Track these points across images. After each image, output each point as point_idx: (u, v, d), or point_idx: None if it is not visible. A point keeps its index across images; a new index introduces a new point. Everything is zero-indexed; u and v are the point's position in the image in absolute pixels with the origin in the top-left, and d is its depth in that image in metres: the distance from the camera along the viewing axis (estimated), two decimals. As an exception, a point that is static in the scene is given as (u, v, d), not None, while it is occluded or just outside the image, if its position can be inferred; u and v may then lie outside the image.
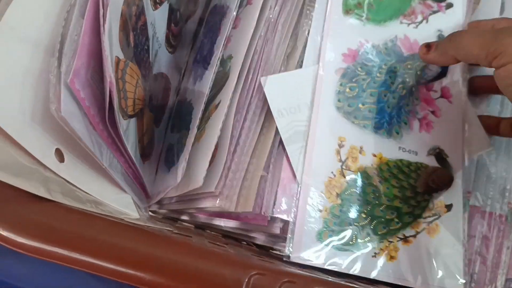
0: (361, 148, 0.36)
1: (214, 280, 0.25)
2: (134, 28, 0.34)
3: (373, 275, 0.34)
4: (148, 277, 0.24)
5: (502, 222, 0.39)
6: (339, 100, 0.37)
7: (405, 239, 0.36)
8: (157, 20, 0.37)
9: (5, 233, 0.24)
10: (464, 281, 0.36)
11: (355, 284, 0.32)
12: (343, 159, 0.36)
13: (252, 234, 0.37)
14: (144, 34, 0.36)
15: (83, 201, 0.30)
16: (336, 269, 0.34)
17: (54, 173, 0.28)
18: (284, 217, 0.35)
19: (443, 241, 0.36)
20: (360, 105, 0.37)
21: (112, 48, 0.29)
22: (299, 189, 0.35)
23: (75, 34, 0.28)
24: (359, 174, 0.36)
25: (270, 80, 0.36)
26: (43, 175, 0.28)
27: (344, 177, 0.36)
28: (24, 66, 0.28)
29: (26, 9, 0.28)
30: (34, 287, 0.42)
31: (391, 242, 0.35)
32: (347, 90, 0.38)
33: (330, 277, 0.32)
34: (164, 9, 0.38)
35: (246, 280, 0.25)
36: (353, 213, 0.35)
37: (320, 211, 0.34)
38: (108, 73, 0.28)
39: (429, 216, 0.37)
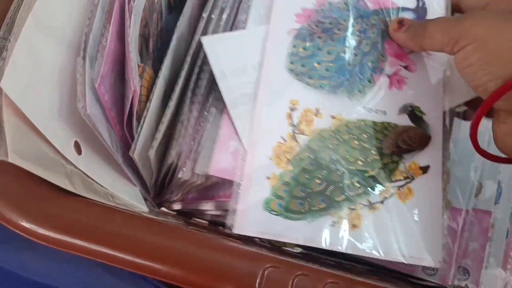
0: (317, 110, 0.33)
1: (229, 273, 0.26)
2: (153, 34, 0.35)
3: (331, 246, 0.31)
4: (165, 269, 0.25)
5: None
6: (291, 62, 0.34)
7: (370, 206, 0.32)
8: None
9: (28, 225, 0.26)
10: (441, 257, 0.31)
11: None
12: (295, 123, 0.33)
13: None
14: (161, 39, 0.37)
15: (101, 194, 0.30)
16: (286, 241, 0.31)
17: (74, 165, 0.29)
18: (224, 176, 0.32)
19: (418, 207, 0.32)
20: (315, 64, 0.34)
21: (135, 56, 0.31)
22: (244, 155, 0.32)
23: (104, 40, 0.29)
24: (313, 137, 0.33)
25: (213, 40, 0.34)
26: (66, 168, 0.29)
27: (296, 141, 0.32)
28: (49, 59, 0.28)
29: (53, 2, 0.29)
30: (50, 282, 0.44)
31: (353, 209, 0.32)
32: (301, 50, 0.35)
33: (277, 256, 0.29)
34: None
35: (261, 272, 0.26)
36: (305, 179, 0.32)
37: (268, 178, 0.32)
38: (133, 82, 0.30)
39: (400, 180, 0.33)
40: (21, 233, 0.26)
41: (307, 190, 0.32)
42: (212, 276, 0.25)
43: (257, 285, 0.25)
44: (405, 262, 0.31)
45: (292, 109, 0.33)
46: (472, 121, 0.30)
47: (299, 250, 0.34)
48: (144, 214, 0.31)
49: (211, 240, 0.27)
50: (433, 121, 0.34)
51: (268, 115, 0.33)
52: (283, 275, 0.26)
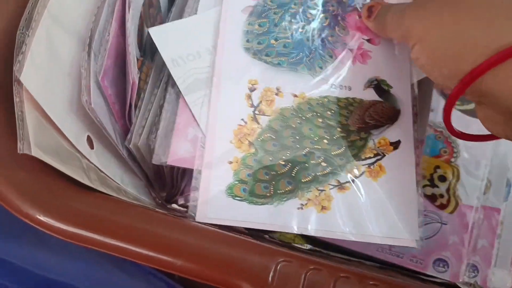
0: (277, 89, 0.31)
1: (243, 267, 0.26)
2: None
3: (300, 230, 0.29)
4: (180, 263, 0.25)
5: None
6: (247, 41, 0.32)
7: (340, 186, 0.30)
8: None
9: (45, 219, 0.25)
10: (418, 236, 0.29)
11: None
12: (255, 103, 0.31)
13: None
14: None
15: (114, 188, 0.31)
16: (252, 227, 0.29)
17: (88, 159, 0.29)
18: (184, 165, 0.30)
19: (390, 184, 0.30)
20: (272, 41, 0.32)
21: (134, 50, 0.31)
22: (203, 141, 0.30)
23: (107, 34, 0.30)
24: (274, 117, 0.31)
25: (160, 29, 0.32)
26: (82, 162, 0.29)
27: (258, 123, 0.31)
28: (64, 53, 0.29)
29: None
30: (62, 278, 0.43)
31: (322, 190, 0.30)
32: (256, 27, 0.33)
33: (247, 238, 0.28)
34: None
35: (274, 266, 0.26)
36: (269, 161, 0.30)
37: (230, 162, 0.30)
38: (131, 75, 0.30)
39: (369, 157, 0.31)
40: (38, 227, 0.25)
41: (272, 173, 0.30)
42: (226, 270, 0.25)
43: (270, 279, 0.25)
44: (381, 243, 0.29)
45: (251, 90, 0.31)
46: (444, 108, 0.28)
47: (308, 246, 0.33)
48: (157, 209, 0.31)
49: (224, 235, 0.27)
50: (401, 94, 0.32)
51: (226, 98, 0.31)
52: (296, 269, 0.26)
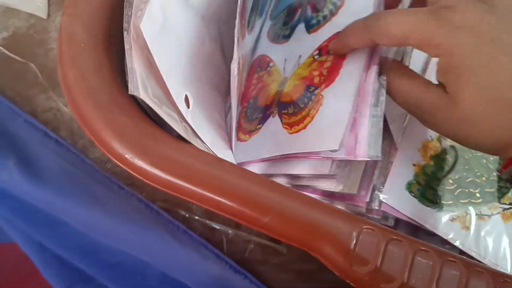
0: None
1: (327, 230, 0.26)
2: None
3: (448, 237, 0.35)
4: (267, 220, 0.26)
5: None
6: None
7: (480, 216, 0.37)
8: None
9: (140, 164, 0.26)
10: None
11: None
12: None
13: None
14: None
15: (207, 130, 0.33)
16: (419, 222, 0.35)
17: (183, 118, 0.30)
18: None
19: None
20: None
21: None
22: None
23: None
24: (453, 144, 0.37)
25: None
26: (178, 119, 0.30)
27: (441, 143, 0.37)
28: (174, 16, 0.31)
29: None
30: (116, 244, 0.44)
31: (468, 214, 0.36)
32: None
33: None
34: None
35: (357, 233, 0.26)
36: (441, 177, 0.37)
37: (414, 165, 0.37)
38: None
39: (505, 203, 0.38)
40: (133, 172, 0.26)
41: (441, 186, 0.37)
42: (310, 232, 0.26)
43: (352, 245, 0.25)
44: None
45: None
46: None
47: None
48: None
49: (311, 199, 0.28)
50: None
51: None
52: (377, 237, 0.25)
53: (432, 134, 0.38)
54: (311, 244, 0.26)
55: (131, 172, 0.26)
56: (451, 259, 0.27)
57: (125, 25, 0.27)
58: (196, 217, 0.43)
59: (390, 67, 0.29)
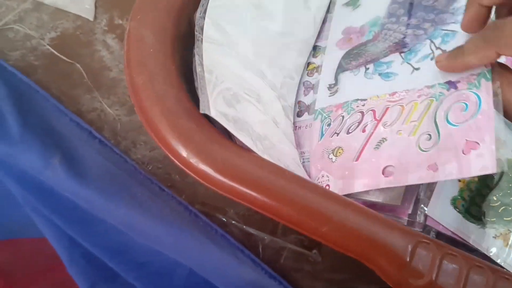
0: (504, 141, 0.37)
1: (383, 243, 0.26)
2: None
3: (490, 254, 0.36)
4: (326, 230, 0.27)
5: None
6: None
7: None
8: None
9: (205, 169, 0.27)
10: None
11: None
12: None
13: None
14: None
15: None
16: (462, 237, 0.36)
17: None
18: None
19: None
20: None
21: None
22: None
23: None
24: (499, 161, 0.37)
25: None
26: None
27: None
28: None
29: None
30: (153, 244, 0.44)
31: (511, 231, 0.37)
32: None
33: None
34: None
35: (412, 246, 0.26)
36: (486, 193, 0.37)
37: (459, 181, 0.37)
38: None
39: None
40: (197, 177, 0.27)
41: (486, 203, 0.37)
42: (367, 244, 0.26)
43: (407, 258, 0.26)
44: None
45: None
46: None
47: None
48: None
49: (368, 210, 0.28)
50: None
51: None
52: (433, 251, 0.26)
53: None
54: (368, 256, 0.27)
55: (195, 177, 0.27)
56: (507, 277, 0.27)
57: (196, 49, 0.28)
58: (233, 222, 0.44)
59: (500, 73, 0.29)
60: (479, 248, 0.36)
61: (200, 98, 0.27)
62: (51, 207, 0.46)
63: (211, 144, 0.27)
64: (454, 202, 0.37)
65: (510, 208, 0.37)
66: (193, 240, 0.43)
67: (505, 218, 0.37)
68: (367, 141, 0.34)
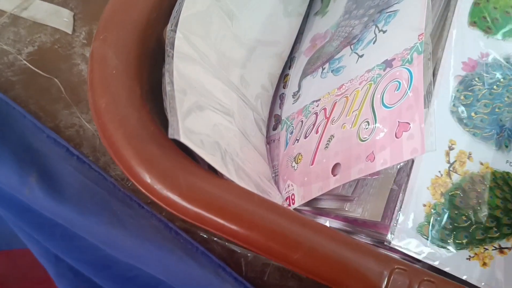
0: (469, 154, 0.36)
1: (358, 269, 0.26)
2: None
3: (464, 277, 0.34)
4: (297, 256, 0.25)
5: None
6: (453, 105, 0.37)
7: (500, 249, 0.35)
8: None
9: (170, 196, 0.26)
10: None
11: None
12: (451, 161, 0.35)
13: (354, 237, 0.35)
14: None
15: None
16: (430, 263, 0.33)
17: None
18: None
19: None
20: (472, 114, 0.37)
21: None
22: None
23: None
24: (464, 178, 0.35)
25: None
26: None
27: (450, 178, 0.35)
28: None
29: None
30: (133, 261, 0.44)
31: (486, 249, 0.35)
32: (462, 97, 0.37)
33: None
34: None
35: (388, 273, 0.25)
36: (454, 214, 0.35)
37: (424, 205, 0.34)
38: None
39: None
40: (163, 204, 0.26)
41: (455, 224, 0.34)
42: (340, 271, 0.25)
43: (383, 286, 0.25)
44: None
45: (450, 148, 0.36)
46: None
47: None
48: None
49: (341, 236, 0.27)
50: None
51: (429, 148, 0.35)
52: (410, 278, 0.25)
53: (441, 169, 0.36)
54: (342, 283, 0.26)
55: (160, 203, 0.26)
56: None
57: (166, 66, 0.27)
58: (215, 239, 0.43)
59: None
60: (457, 275, 0.34)
61: (169, 121, 0.26)
62: (31, 224, 0.45)
63: (176, 169, 0.26)
64: (421, 229, 0.34)
65: (482, 226, 0.35)
66: (173, 257, 0.42)
67: (477, 237, 0.35)
68: (319, 142, 0.33)
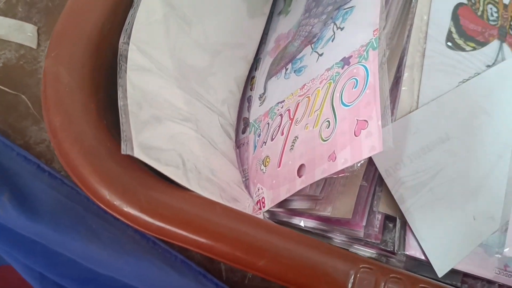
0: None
1: (324, 270, 0.25)
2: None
3: None
4: (263, 263, 0.25)
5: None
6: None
7: None
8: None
9: (129, 211, 0.26)
10: None
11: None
12: None
13: (330, 235, 0.34)
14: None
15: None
16: None
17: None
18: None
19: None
20: None
21: None
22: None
23: None
24: None
25: None
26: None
27: None
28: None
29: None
30: (111, 273, 0.44)
31: None
32: None
33: None
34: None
35: (354, 272, 0.25)
36: None
37: None
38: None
39: None
40: (123, 219, 0.26)
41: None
42: (307, 273, 0.25)
43: (350, 285, 0.25)
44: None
45: None
46: None
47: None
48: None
49: (306, 238, 0.27)
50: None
51: None
52: (376, 276, 0.25)
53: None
54: (308, 286, 0.26)
55: (122, 218, 0.26)
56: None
57: (119, 80, 0.26)
58: (193, 246, 0.43)
59: None
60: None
61: (121, 137, 0.26)
62: (10, 242, 0.45)
63: (134, 184, 0.26)
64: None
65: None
66: (153, 268, 0.42)
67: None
68: (285, 144, 0.32)
